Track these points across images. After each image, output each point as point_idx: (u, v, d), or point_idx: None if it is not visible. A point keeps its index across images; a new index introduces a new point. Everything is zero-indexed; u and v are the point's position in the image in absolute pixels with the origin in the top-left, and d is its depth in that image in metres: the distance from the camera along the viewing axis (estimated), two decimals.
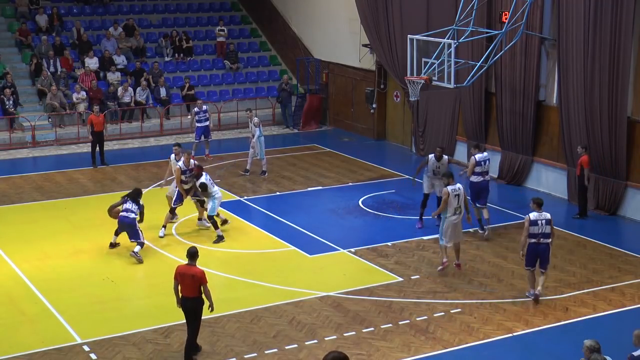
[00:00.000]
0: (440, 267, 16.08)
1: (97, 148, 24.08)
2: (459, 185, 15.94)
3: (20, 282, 15.56)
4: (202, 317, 13.90)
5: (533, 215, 14.48)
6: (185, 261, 12.61)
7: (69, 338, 13.32)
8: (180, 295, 12.44)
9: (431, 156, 18.60)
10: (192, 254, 12.51)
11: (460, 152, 24.40)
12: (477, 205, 18.11)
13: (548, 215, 14.48)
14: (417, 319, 14.07)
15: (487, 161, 18.39)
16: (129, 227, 16.76)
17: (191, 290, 12.32)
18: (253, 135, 22.67)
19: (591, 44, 19.52)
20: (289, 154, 25.78)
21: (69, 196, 21.10)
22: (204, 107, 24.88)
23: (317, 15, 30.35)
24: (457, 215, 15.81)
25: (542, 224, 14.39)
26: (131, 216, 16.79)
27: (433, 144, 25.16)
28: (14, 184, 22.16)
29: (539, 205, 14.56)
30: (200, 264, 16.30)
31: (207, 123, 24.72)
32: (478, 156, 17.98)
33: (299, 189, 21.99)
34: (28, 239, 17.85)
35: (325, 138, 28.22)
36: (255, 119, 22.88)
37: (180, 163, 18.16)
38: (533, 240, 14.44)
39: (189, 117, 26.04)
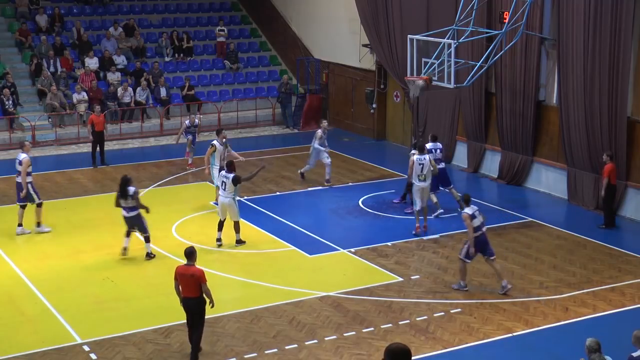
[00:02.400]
0: (414, 232, 18.12)
1: (98, 148, 24.08)
2: (426, 156, 18.03)
3: (20, 282, 15.56)
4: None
5: (470, 210, 14.96)
6: (184, 261, 12.60)
7: (69, 338, 13.32)
8: (181, 295, 12.44)
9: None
10: (189, 254, 12.50)
11: (460, 152, 24.42)
12: (441, 188, 19.72)
13: (475, 208, 15.17)
14: (417, 319, 14.07)
15: (438, 150, 19.78)
16: (134, 220, 16.65)
17: (192, 290, 12.32)
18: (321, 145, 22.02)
19: (591, 44, 19.52)
20: (289, 154, 25.77)
21: (69, 196, 21.10)
22: (196, 122, 24.28)
23: (317, 15, 30.35)
24: (422, 182, 17.94)
25: (478, 214, 15.04)
26: (131, 213, 16.63)
27: None
28: (14, 184, 22.11)
29: (468, 201, 15.24)
30: (200, 264, 16.29)
31: (192, 137, 23.81)
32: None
33: (299, 189, 21.98)
34: (28, 239, 17.86)
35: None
36: (325, 124, 22.49)
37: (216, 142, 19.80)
38: (478, 233, 14.94)
39: (180, 128, 24.74)
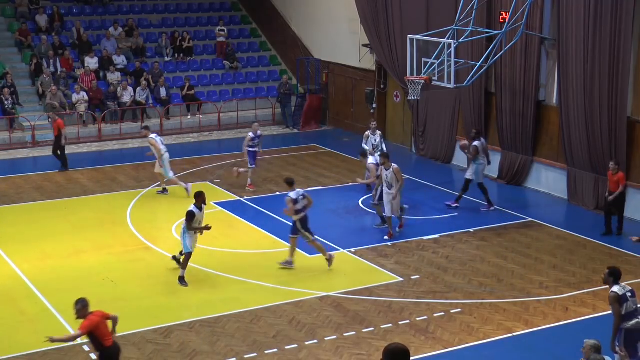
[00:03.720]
0: (386, 237, 17.98)
1: (60, 151, 23.54)
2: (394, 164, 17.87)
3: (20, 282, 15.55)
4: (203, 317, 13.96)
5: (294, 194, 16.03)
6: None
7: None
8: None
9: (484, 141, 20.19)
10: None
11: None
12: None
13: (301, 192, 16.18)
14: (417, 319, 14.07)
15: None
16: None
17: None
18: (374, 147, 21.35)
19: (591, 44, 19.51)
20: (289, 154, 25.78)
21: (69, 196, 21.10)
22: (259, 132, 21.78)
23: (317, 15, 30.35)
24: (390, 190, 17.65)
25: (301, 198, 16.03)
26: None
27: (433, 143, 25.23)
28: (14, 184, 22.16)
29: (290, 184, 16.37)
30: (200, 264, 16.36)
31: (257, 149, 21.75)
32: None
33: (299, 189, 21.91)
34: (28, 239, 17.85)
35: (325, 138, 28.22)
36: (379, 132, 21.93)
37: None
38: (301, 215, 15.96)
39: (244, 143, 21.85)
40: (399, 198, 17.85)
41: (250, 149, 21.51)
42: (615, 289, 11.42)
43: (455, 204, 20.22)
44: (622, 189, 18.11)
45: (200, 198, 15.74)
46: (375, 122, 22.30)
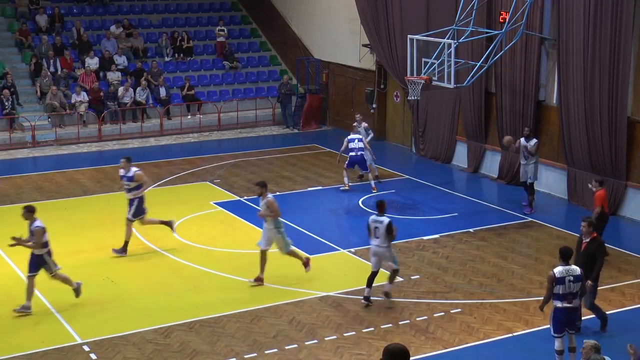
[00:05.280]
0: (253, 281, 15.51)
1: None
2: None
3: (20, 282, 15.53)
4: (203, 317, 13.96)
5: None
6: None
7: (69, 338, 13.32)
8: None
9: (522, 139, 19.65)
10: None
11: (460, 152, 24.42)
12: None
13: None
14: (417, 319, 14.07)
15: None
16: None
17: None
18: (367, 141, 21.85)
19: (591, 44, 19.51)
20: (289, 154, 25.78)
21: (69, 196, 21.10)
22: (364, 124, 22.70)
23: (317, 15, 30.35)
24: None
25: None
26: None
27: (433, 144, 25.22)
28: (14, 184, 22.16)
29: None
30: (200, 264, 16.36)
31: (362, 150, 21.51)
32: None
33: (299, 189, 21.98)
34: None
35: (325, 138, 28.22)
36: (365, 124, 22.84)
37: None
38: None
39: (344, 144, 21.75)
40: (280, 236, 15.47)
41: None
42: (556, 270, 11.83)
43: (530, 209, 19.82)
44: (598, 209, 16.16)
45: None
46: (360, 115, 23.33)
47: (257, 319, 14.02)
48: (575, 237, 18.17)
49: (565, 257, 11.88)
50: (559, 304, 11.82)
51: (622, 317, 14.23)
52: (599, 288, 15.15)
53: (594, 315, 13.72)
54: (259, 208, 15.53)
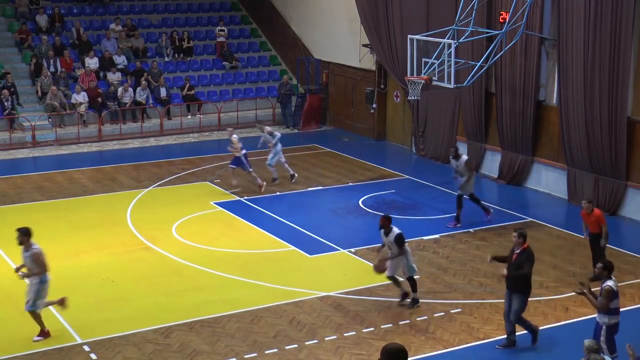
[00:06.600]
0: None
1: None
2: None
3: (20, 282, 15.52)
4: (203, 317, 13.95)
5: None
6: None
7: (69, 338, 13.32)
8: None
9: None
10: None
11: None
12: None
13: None
14: (417, 319, 14.07)
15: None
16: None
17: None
18: (272, 144, 22.03)
19: (591, 44, 19.52)
20: (289, 154, 25.70)
21: (69, 196, 21.10)
22: (267, 129, 22.91)
23: (317, 15, 30.35)
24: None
25: None
26: None
27: (433, 144, 25.23)
28: (14, 184, 22.16)
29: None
30: (200, 264, 16.37)
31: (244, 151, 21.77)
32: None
33: (299, 189, 21.98)
34: None
35: (325, 138, 28.23)
36: (268, 128, 22.81)
37: None
38: None
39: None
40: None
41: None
42: (611, 283, 11.55)
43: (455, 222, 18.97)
44: (605, 228, 15.57)
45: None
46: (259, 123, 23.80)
47: (257, 319, 14.02)
48: (575, 237, 18.26)
49: (612, 270, 11.63)
50: (615, 320, 11.42)
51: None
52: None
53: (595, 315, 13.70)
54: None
